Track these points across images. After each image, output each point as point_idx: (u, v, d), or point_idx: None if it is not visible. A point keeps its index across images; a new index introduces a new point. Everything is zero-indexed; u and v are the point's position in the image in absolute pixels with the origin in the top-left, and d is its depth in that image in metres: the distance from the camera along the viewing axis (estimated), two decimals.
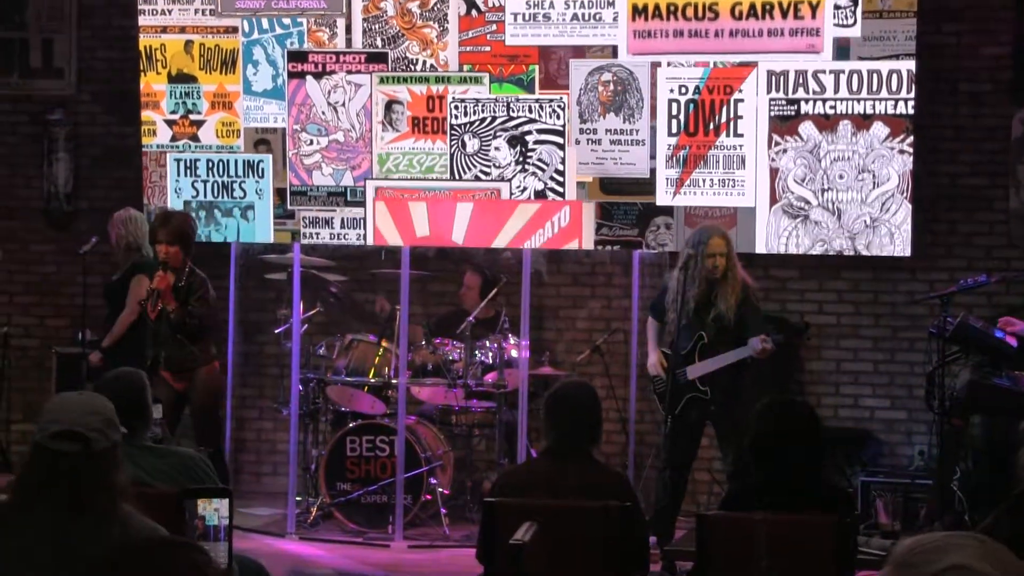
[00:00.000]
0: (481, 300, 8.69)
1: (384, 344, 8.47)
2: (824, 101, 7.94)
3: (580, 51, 8.12)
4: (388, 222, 8.33)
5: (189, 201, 8.61)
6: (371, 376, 8.46)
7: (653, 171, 8.11)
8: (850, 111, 7.93)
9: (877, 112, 7.90)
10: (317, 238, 8.46)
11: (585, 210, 8.11)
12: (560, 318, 9.30)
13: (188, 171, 8.62)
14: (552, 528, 4.39)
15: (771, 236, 8.02)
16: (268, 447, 9.61)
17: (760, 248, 8.03)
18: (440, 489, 8.19)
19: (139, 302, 7.81)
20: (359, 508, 8.20)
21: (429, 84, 8.26)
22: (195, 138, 8.60)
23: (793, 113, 7.97)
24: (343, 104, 8.38)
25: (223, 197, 8.57)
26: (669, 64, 8.04)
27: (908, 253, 8.01)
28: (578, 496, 4.77)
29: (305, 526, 8.24)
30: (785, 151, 7.99)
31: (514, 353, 8.34)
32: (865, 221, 7.96)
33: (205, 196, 8.59)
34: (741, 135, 8.02)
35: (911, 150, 7.90)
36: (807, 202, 7.99)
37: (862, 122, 7.92)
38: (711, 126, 8.05)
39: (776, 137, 7.99)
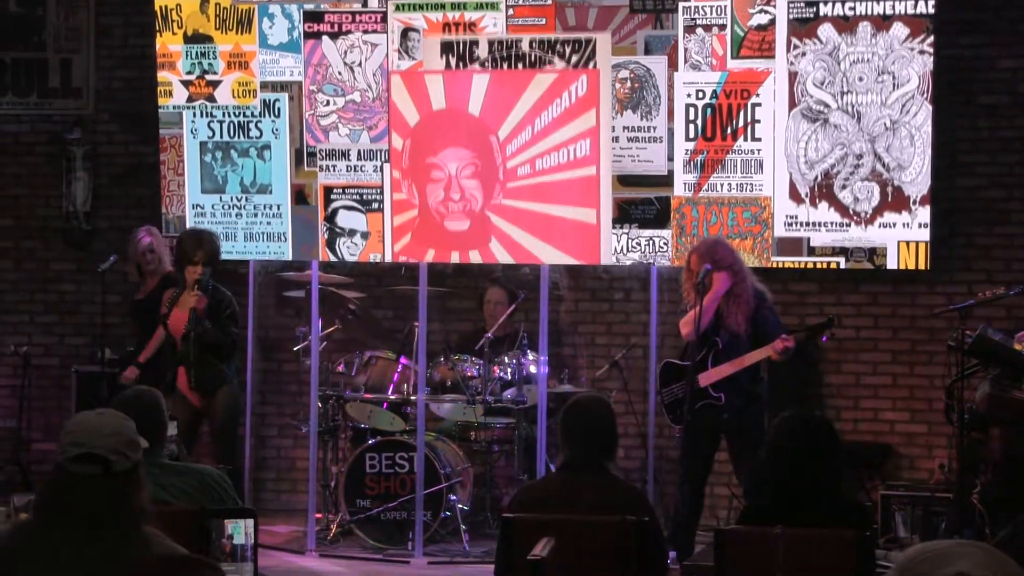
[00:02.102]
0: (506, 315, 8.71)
1: (403, 361, 8.49)
2: (843, 2, 7.93)
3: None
4: (404, 96, 8.33)
5: (205, 142, 8.64)
6: (390, 393, 8.48)
7: (671, 172, 8.15)
8: (869, 12, 7.92)
9: (896, 13, 7.89)
10: (334, 170, 8.45)
11: (603, 80, 8.07)
12: (578, 333, 9.30)
13: (204, 112, 8.66)
14: (570, 543, 4.40)
15: (790, 141, 8.01)
16: (287, 464, 9.64)
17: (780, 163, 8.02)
18: (460, 505, 8.21)
19: (162, 316, 7.86)
20: (379, 524, 8.21)
21: (445, 11, 8.27)
22: (211, 98, 8.65)
23: (812, 16, 7.97)
24: (359, 64, 8.41)
25: (239, 137, 8.60)
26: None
27: (928, 157, 7.92)
28: (595, 511, 4.78)
29: (325, 543, 8.26)
30: (804, 54, 7.98)
31: (532, 369, 8.36)
32: (885, 124, 7.95)
33: (221, 136, 8.63)
34: (759, 139, 8.04)
35: (931, 50, 7.88)
36: (826, 105, 7.98)
37: (881, 23, 7.91)
38: (728, 131, 8.08)
39: (795, 40, 7.97)
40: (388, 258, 8.48)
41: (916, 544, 2.28)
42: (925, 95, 7.88)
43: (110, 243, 9.46)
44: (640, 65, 8.13)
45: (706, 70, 8.09)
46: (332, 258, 8.61)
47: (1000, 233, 8.73)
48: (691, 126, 8.11)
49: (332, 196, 8.57)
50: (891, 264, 8.09)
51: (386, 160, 8.41)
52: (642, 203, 8.26)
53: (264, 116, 8.56)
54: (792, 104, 8.01)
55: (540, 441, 8.06)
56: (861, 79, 7.90)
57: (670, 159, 8.15)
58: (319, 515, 8.46)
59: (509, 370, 8.43)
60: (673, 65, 8.12)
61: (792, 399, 8.31)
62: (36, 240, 9.94)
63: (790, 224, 8.13)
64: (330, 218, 8.58)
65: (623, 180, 8.21)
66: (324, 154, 8.52)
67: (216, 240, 7.93)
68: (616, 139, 8.19)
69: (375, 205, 8.51)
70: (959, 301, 8.11)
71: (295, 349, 8.80)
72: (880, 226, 8.04)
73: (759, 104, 8.02)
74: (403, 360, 8.53)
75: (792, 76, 8.00)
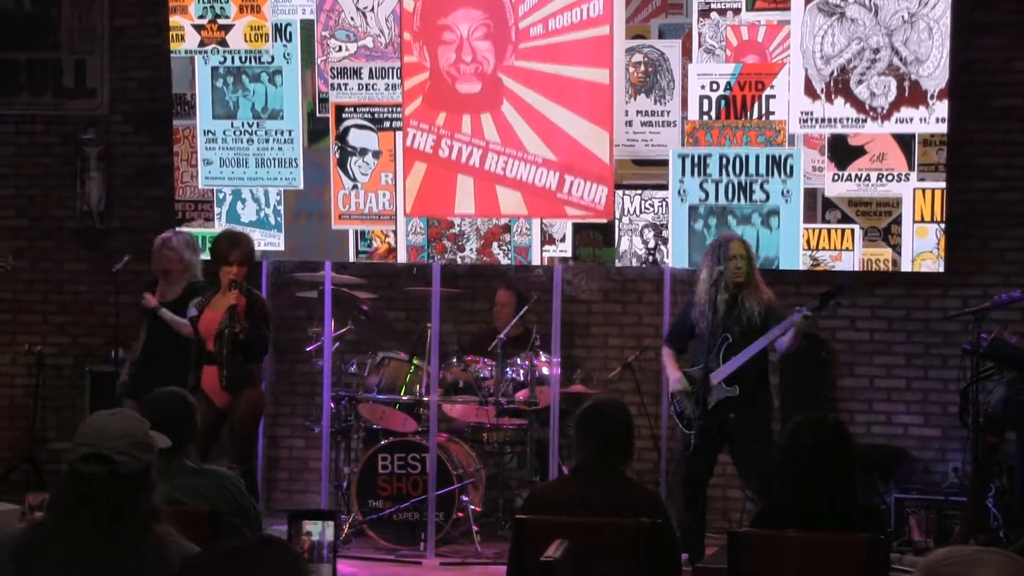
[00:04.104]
0: (515, 317, 8.71)
1: (415, 362, 8.50)
2: None
3: None
4: None
5: (217, 67, 8.64)
6: (403, 394, 8.49)
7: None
8: None
9: None
10: (346, 88, 8.44)
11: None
12: (591, 335, 9.30)
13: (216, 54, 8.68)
14: (583, 545, 4.40)
15: (805, 36, 7.96)
16: (300, 465, 9.65)
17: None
18: (472, 506, 8.21)
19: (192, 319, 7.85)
20: (391, 525, 8.22)
21: None
22: (223, 43, 8.64)
23: None
24: (372, 9, 8.41)
25: (251, 63, 8.60)
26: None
27: (947, 51, 7.83)
28: (609, 513, 4.77)
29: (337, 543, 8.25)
30: None
31: (545, 370, 8.36)
32: (903, 16, 7.88)
33: (233, 63, 8.64)
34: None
35: None
36: None
37: None
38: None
39: None
40: (400, 180, 8.41)
41: (937, 549, 2.27)
42: None
43: (124, 243, 9.47)
44: (654, 49, 8.11)
45: (720, 56, 8.06)
46: (344, 178, 8.51)
47: (1016, 236, 8.71)
48: (705, 118, 8.10)
49: (343, 115, 8.53)
50: (907, 215, 7.92)
51: (398, 76, 8.39)
52: (655, 187, 8.19)
53: (276, 40, 8.54)
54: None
55: (552, 442, 8.06)
56: None
57: (683, 144, 8.12)
58: None
59: (522, 371, 8.43)
60: (687, 54, 8.10)
61: (805, 403, 8.31)
62: (50, 240, 9.97)
63: (805, 120, 8.05)
64: (341, 137, 8.53)
65: (637, 163, 8.20)
66: (336, 72, 8.50)
67: (251, 241, 7.92)
68: (630, 123, 8.16)
69: (387, 124, 8.48)
70: (974, 304, 8.10)
71: (308, 350, 8.81)
72: (897, 121, 7.93)
73: (773, 96, 8.00)
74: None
75: None
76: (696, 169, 8.12)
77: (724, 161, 8.08)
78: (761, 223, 8.07)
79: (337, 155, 8.53)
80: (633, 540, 4.69)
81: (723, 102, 8.07)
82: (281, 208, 8.61)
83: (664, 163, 8.13)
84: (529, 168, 8.22)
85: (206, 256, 8.11)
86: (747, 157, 8.06)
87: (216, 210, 8.73)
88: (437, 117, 8.35)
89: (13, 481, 9.28)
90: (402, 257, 8.48)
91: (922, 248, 7.94)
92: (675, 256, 8.17)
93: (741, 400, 7.19)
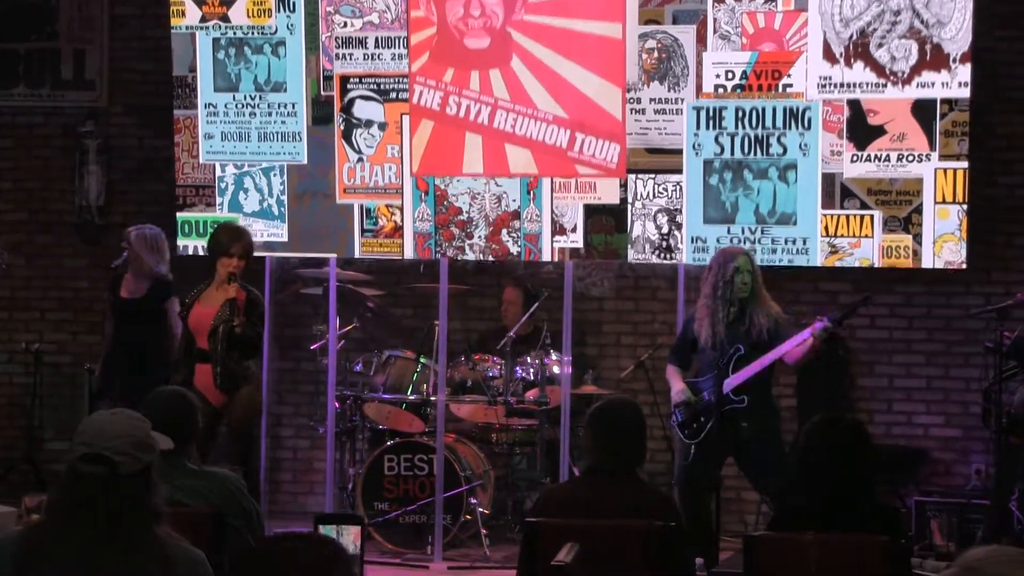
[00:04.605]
0: (523, 315, 8.70)
1: (422, 360, 8.50)
2: None
3: None
4: None
5: (218, 39, 8.64)
6: (409, 393, 8.49)
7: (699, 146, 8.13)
8: None
9: None
10: (351, 59, 8.42)
11: None
12: (603, 333, 9.30)
13: (217, 31, 8.67)
14: (595, 549, 4.40)
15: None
16: (304, 466, 9.66)
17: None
18: (480, 509, 8.21)
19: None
20: (397, 528, 8.22)
21: None
22: (225, 18, 8.63)
23: None
24: None
25: (253, 34, 8.60)
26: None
27: (969, 13, 7.76)
28: (621, 516, 4.77)
29: None
30: None
31: (556, 369, 8.36)
32: None
33: (235, 33, 8.64)
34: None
35: None
36: None
37: None
38: None
39: None
40: (406, 141, 8.40)
41: (977, 547, 2.27)
42: None
43: (123, 239, 9.48)
44: (667, 35, 8.10)
45: (736, 43, 8.05)
46: (348, 151, 8.50)
47: None
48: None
49: (348, 86, 8.52)
50: (928, 197, 7.89)
51: (405, 46, 8.38)
52: (671, 171, 8.18)
53: (279, 10, 8.54)
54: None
55: (563, 443, 8.06)
56: None
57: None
58: None
59: (531, 370, 8.43)
60: (702, 41, 8.09)
61: (823, 402, 8.30)
62: (49, 235, 9.98)
63: (823, 86, 8.03)
64: (346, 109, 8.52)
65: (651, 151, 8.18)
66: (340, 42, 8.50)
67: (250, 235, 7.93)
68: (643, 111, 8.16)
69: (393, 95, 8.47)
70: (997, 302, 8.09)
71: (312, 348, 8.82)
72: (918, 86, 7.89)
73: (790, 84, 7.98)
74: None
75: None
76: (711, 122, 8.10)
77: (740, 114, 8.06)
78: (778, 177, 8.05)
79: (342, 127, 8.52)
80: (645, 543, 4.69)
81: (739, 91, 8.06)
82: (284, 198, 8.60)
83: (678, 152, 8.12)
84: (539, 125, 8.21)
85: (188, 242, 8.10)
86: (763, 110, 8.04)
87: (218, 199, 8.73)
88: (444, 73, 8.33)
89: (11, 482, 9.31)
90: (408, 244, 8.44)
91: (943, 230, 7.89)
92: (689, 215, 8.11)
93: (749, 409, 7.20)
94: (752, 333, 7.23)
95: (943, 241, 7.90)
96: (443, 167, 8.38)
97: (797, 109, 8.01)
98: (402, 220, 8.45)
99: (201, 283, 7.85)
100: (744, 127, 8.07)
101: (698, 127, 8.12)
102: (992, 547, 2.25)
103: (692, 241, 8.18)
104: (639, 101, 8.15)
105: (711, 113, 8.10)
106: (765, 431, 7.20)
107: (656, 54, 8.11)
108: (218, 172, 8.72)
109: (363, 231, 8.53)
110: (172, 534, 3.35)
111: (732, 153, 8.09)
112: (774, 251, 8.06)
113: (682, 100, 8.12)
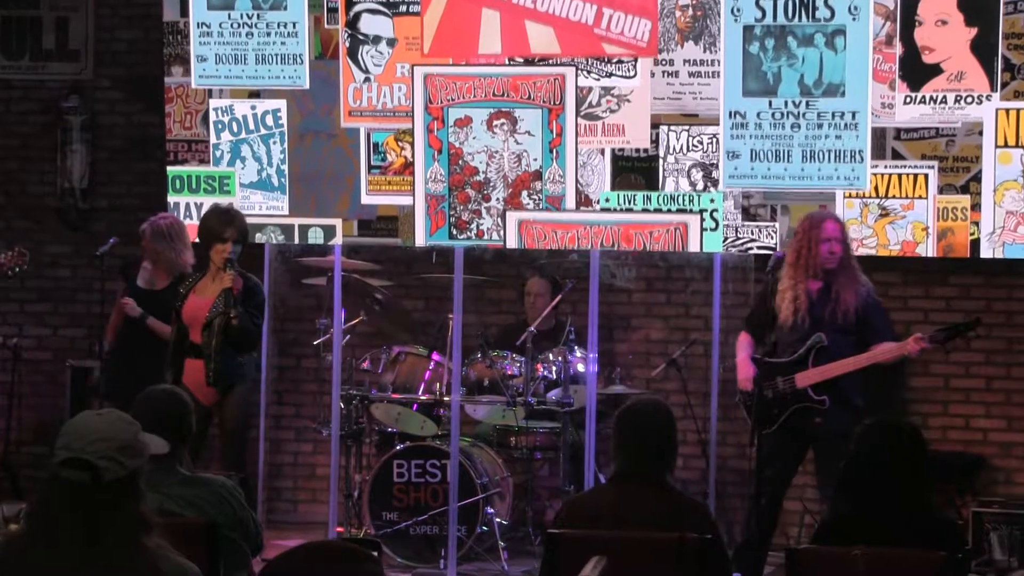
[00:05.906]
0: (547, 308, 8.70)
1: (435, 357, 8.51)
2: None
3: None
4: None
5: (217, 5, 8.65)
6: (420, 393, 8.50)
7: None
8: None
9: None
10: (355, 34, 8.44)
11: None
12: (632, 328, 9.30)
13: None
14: (623, 563, 4.40)
15: None
16: (306, 472, 9.68)
17: None
18: (497, 519, 8.22)
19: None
20: (407, 540, 8.24)
21: None
22: None
23: None
24: None
25: None
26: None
27: None
28: (652, 527, 4.78)
29: None
30: None
31: (580, 368, 8.36)
32: None
33: None
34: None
35: None
36: None
37: None
38: None
39: None
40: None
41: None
42: None
43: (110, 224, 9.51)
44: None
45: None
46: (354, 69, 8.46)
47: None
48: None
49: None
50: (988, 140, 7.81)
51: None
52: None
53: None
54: None
55: (588, 448, 8.06)
56: None
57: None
58: (340, 529, 8.49)
59: (554, 368, 8.43)
60: None
61: (874, 405, 8.27)
62: (28, 220, 10.00)
63: None
64: (351, 23, 8.48)
65: (687, 117, 8.14)
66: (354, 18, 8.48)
67: (244, 218, 7.94)
68: (676, 74, 8.13)
69: (403, 7, 8.41)
70: None
71: (315, 343, 8.83)
72: None
73: None
74: (435, 356, 8.54)
75: None
76: None
77: None
78: (825, 44, 7.97)
79: (347, 44, 8.49)
80: (678, 557, 4.69)
81: None
82: (285, 168, 8.52)
83: (715, 120, 8.08)
84: (562, 0, 8.20)
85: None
86: None
87: (213, 164, 8.69)
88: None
89: None
90: (420, 204, 8.35)
91: (1005, 176, 7.78)
92: (727, 87, 8.04)
93: (838, 408, 7.16)
94: (838, 315, 7.18)
95: (1004, 189, 7.82)
96: (457, 48, 8.32)
97: None
98: (412, 156, 8.40)
99: (196, 272, 7.87)
100: None
101: None
102: None
103: (730, 116, 8.07)
104: (671, 63, 8.11)
105: None
106: (844, 429, 7.18)
107: (691, 11, 8.09)
108: (213, 139, 8.70)
109: (369, 168, 8.48)
110: (163, 545, 3.35)
111: (774, 18, 8.02)
112: (820, 126, 7.98)
113: (719, 62, 8.07)
